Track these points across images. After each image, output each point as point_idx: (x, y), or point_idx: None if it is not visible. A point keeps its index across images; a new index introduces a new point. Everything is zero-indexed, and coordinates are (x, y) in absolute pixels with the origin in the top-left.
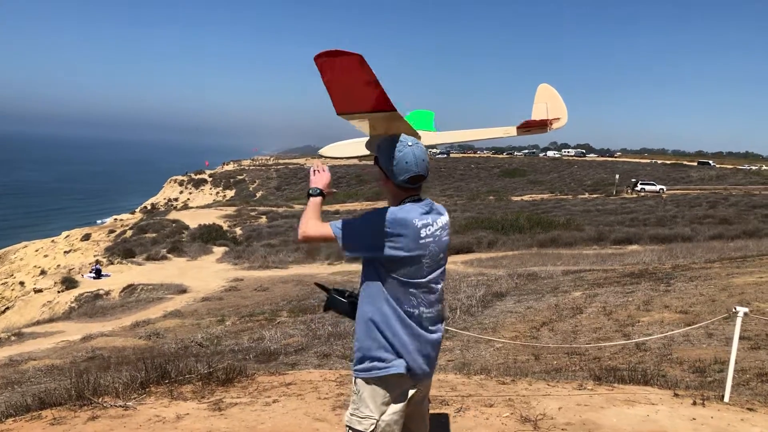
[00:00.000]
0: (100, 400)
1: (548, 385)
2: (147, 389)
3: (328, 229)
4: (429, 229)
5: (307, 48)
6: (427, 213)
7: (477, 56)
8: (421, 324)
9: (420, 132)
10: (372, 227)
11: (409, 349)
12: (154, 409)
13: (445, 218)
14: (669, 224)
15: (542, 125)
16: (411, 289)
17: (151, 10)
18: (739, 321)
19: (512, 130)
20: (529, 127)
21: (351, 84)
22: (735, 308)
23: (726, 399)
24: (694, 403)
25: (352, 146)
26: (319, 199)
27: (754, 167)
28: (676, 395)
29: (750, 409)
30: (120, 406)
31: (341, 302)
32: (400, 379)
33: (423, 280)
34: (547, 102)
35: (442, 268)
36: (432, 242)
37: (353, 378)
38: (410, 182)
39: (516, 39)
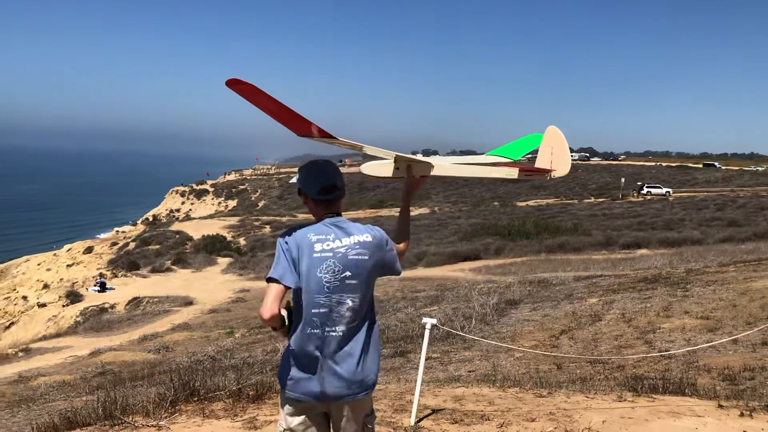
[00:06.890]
0: (131, 419)
1: (587, 397)
2: (177, 407)
3: (271, 287)
4: (327, 245)
5: (306, 49)
6: (330, 230)
7: (471, 64)
8: (327, 345)
9: (424, 163)
10: (283, 254)
11: (311, 372)
12: (187, 428)
13: (359, 237)
14: (677, 227)
15: (544, 173)
16: (313, 309)
17: (144, 15)
18: None
19: (514, 172)
20: (531, 173)
21: (268, 108)
22: None
23: None
24: (741, 415)
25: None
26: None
27: (760, 168)
28: (720, 406)
29: None
30: (152, 425)
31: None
32: (302, 403)
33: (323, 297)
34: (553, 146)
35: (352, 287)
36: (330, 257)
37: None
38: (323, 193)
39: (514, 44)
